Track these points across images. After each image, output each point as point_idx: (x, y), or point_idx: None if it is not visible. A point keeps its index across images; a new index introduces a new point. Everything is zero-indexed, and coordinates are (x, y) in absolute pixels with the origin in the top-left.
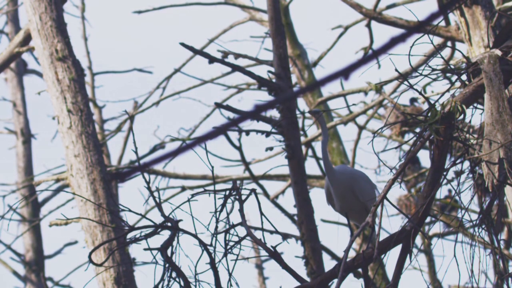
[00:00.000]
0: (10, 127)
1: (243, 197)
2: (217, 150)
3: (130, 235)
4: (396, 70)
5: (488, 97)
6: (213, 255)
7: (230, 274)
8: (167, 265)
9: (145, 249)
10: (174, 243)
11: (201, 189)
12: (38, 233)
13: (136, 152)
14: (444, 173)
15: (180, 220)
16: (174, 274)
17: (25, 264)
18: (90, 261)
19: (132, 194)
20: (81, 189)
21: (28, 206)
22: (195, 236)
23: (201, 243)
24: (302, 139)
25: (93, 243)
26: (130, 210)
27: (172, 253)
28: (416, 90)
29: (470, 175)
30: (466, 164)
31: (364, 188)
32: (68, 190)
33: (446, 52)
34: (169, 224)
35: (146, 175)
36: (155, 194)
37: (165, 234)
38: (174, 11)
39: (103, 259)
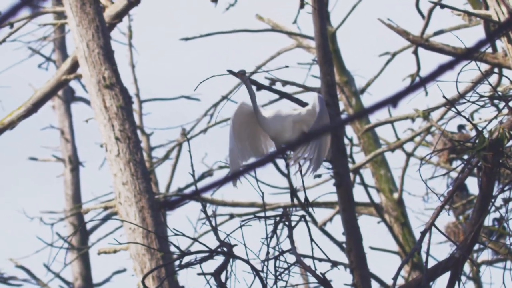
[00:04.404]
0: (58, 155)
1: (293, 224)
2: (265, 178)
3: (183, 261)
4: (444, 96)
5: None
6: (264, 281)
7: None
8: None
9: (198, 274)
10: (227, 268)
11: (251, 216)
12: (86, 261)
13: (193, 175)
14: (492, 200)
15: (235, 245)
16: None
17: None
18: (144, 286)
19: (179, 223)
20: (130, 217)
21: (77, 234)
22: (247, 262)
23: (254, 269)
24: (350, 166)
25: (142, 271)
26: (183, 235)
27: (226, 278)
28: (464, 116)
29: None
30: None
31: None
32: (117, 218)
33: (493, 78)
34: (223, 249)
35: (196, 202)
36: (210, 218)
37: (217, 259)
38: (221, 37)
39: (151, 287)
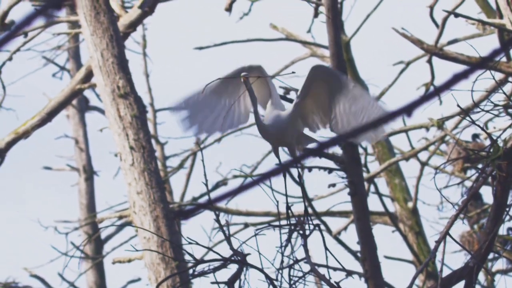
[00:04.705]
0: (72, 164)
1: (307, 232)
2: (278, 187)
3: (197, 270)
4: (458, 105)
5: None
6: None
7: None
8: None
9: (212, 283)
10: (241, 276)
11: (265, 225)
12: (101, 270)
13: (206, 185)
14: (507, 209)
15: (248, 254)
16: None
17: None
18: None
19: (194, 232)
20: (144, 226)
21: (91, 243)
22: (261, 270)
23: (268, 277)
24: (365, 175)
25: (156, 281)
26: (197, 243)
27: (240, 287)
28: (478, 125)
29: None
30: None
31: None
32: (132, 227)
33: (507, 87)
34: (237, 257)
35: (211, 211)
36: (223, 228)
37: (231, 268)
38: (236, 46)
39: None
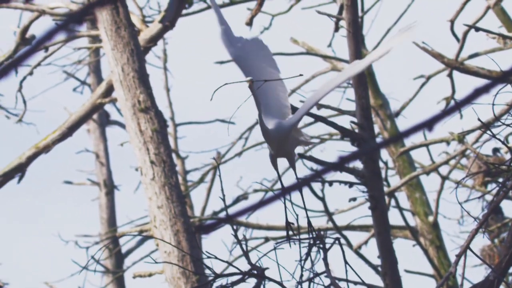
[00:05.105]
0: (93, 179)
1: (327, 246)
2: (299, 201)
3: (216, 284)
4: (479, 119)
5: None
6: None
7: None
8: None
9: None
10: None
11: (285, 238)
12: (121, 284)
13: (223, 200)
14: None
15: (267, 268)
16: None
17: None
18: None
19: (215, 246)
20: (165, 240)
21: (112, 257)
22: (280, 284)
23: None
24: (385, 189)
25: None
26: (216, 257)
27: None
28: (499, 139)
29: None
30: None
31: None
32: (152, 242)
33: None
34: (255, 271)
35: (230, 225)
36: (242, 242)
37: (249, 282)
38: None
39: None
